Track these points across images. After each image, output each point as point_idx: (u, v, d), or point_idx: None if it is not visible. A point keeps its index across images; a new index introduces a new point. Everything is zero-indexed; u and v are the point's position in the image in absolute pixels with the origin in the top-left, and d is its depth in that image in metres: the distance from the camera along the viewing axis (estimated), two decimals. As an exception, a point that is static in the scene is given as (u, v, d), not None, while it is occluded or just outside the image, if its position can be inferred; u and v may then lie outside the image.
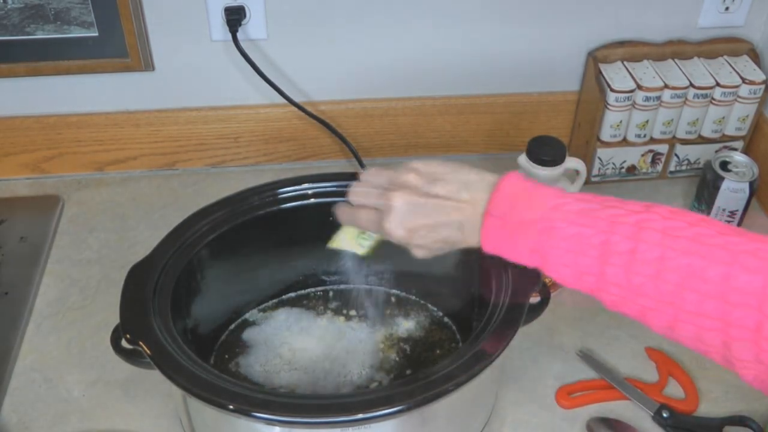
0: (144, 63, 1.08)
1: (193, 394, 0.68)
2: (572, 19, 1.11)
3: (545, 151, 0.94)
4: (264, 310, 0.94)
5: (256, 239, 0.87)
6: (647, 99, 1.09)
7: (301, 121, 1.15)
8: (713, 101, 1.11)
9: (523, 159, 0.96)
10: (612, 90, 1.08)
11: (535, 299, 0.79)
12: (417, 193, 0.71)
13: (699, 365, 0.91)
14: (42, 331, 0.95)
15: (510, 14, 1.10)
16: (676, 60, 1.13)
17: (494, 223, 0.67)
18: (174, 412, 0.86)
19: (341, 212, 0.76)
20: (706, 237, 0.60)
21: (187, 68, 1.11)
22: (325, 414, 0.67)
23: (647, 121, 1.11)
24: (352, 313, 0.93)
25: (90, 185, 1.16)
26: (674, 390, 0.89)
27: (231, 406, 0.67)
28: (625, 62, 1.13)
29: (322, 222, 0.79)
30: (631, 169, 1.17)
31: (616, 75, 1.10)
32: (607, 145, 1.14)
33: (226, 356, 0.89)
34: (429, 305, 0.94)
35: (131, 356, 0.75)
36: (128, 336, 0.73)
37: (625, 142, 1.14)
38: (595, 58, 1.13)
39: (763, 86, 1.10)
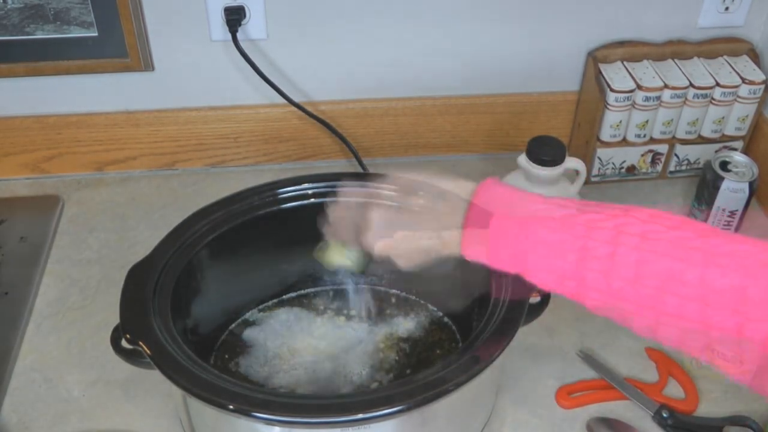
0: (144, 63, 1.08)
1: (193, 394, 0.68)
2: (572, 19, 1.11)
3: (545, 151, 0.94)
4: (264, 310, 0.94)
5: (256, 239, 0.87)
6: (647, 99, 1.09)
7: (301, 121, 1.15)
8: (713, 101, 1.11)
9: (523, 159, 0.96)
10: (612, 90, 1.08)
11: (535, 299, 0.79)
12: (395, 208, 0.71)
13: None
14: (42, 331, 0.95)
15: (510, 14, 1.10)
16: (676, 60, 1.13)
17: (473, 230, 0.67)
18: (174, 412, 0.86)
19: (325, 227, 0.77)
20: (685, 240, 0.60)
21: (186, 68, 1.11)
22: (325, 414, 0.67)
23: (647, 121, 1.11)
24: (353, 313, 0.93)
25: (90, 185, 1.16)
26: (674, 390, 0.89)
27: (231, 406, 0.67)
28: (625, 62, 1.13)
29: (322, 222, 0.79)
30: (631, 169, 1.17)
31: (616, 75, 1.10)
32: (607, 145, 1.14)
33: (226, 356, 0.89)
34: (429, 305, 0.94)
35: (131, 356, 0.75)
36: (128, 336, 0.73)
37: (624, 142, 1.14)
38: (595, 58, 1.13)
39: (762, 86, 1.10)
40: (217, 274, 0.86)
